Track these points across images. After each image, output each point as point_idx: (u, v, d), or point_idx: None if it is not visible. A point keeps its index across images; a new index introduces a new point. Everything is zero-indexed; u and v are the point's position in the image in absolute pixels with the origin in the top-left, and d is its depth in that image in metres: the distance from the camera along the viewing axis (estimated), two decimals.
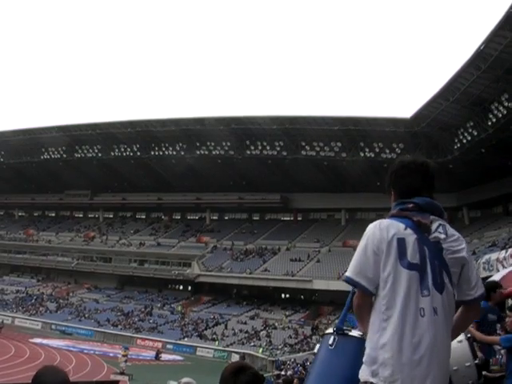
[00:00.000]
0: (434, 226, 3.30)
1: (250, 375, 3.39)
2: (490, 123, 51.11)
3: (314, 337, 59.46)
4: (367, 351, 3.19)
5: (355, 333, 3.43)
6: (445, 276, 3.24)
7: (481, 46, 44.38)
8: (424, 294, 3.17)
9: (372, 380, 3.10)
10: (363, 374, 3.15)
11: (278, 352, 56.19)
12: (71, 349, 53.09)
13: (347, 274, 3.31)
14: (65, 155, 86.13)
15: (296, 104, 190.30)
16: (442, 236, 3.29)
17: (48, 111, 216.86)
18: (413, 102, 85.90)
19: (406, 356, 3.07)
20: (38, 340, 56.69)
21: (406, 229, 3.25)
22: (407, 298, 3.15)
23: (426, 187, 3.43)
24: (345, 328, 3.46)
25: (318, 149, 67.77)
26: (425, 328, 3.12)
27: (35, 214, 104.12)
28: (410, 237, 3.23)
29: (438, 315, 3.16)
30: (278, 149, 70.08)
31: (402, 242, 3.22)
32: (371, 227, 3.33)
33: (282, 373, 38.75)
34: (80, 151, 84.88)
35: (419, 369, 3.06)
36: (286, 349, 57.25)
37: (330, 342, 3.47)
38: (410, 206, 3.35)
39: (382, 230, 3.27)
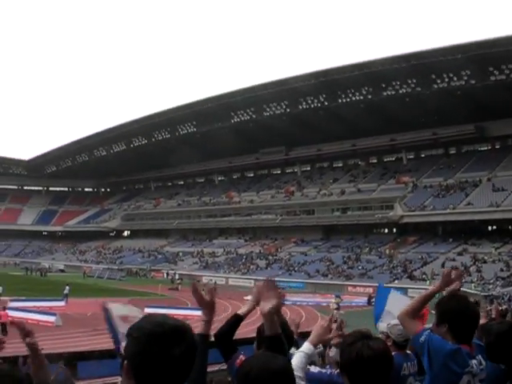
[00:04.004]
0: None
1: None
2: None
3: None
4: None
5: None
6: None
7: None
8: None
9: None
10: None
11: (491, 286, 54.70)
12: (284, 302, 54.34)
13: None
14: (254, 116, 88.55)
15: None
16: None
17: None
18: None
19: None
20: (249, 297, 58.41)
21: None
22: None
23: None
24: None
25: (507, 71, 64.64)
26: None
27: (234, 177, 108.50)
28: None
29: None
30: (466, 78, 67.81)
31: None
32: None
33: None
34: (268, 109, 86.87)
35: None
36: (498, 283, 55.57)
37: None
38: None
39: None
